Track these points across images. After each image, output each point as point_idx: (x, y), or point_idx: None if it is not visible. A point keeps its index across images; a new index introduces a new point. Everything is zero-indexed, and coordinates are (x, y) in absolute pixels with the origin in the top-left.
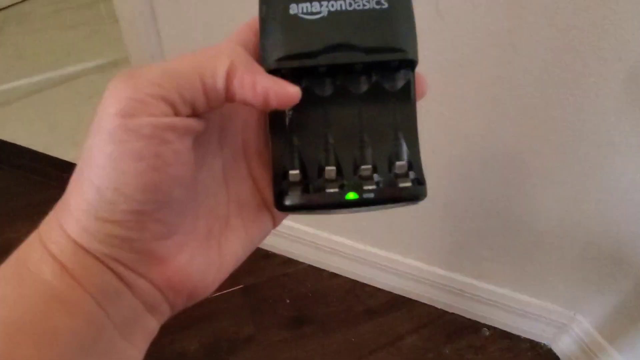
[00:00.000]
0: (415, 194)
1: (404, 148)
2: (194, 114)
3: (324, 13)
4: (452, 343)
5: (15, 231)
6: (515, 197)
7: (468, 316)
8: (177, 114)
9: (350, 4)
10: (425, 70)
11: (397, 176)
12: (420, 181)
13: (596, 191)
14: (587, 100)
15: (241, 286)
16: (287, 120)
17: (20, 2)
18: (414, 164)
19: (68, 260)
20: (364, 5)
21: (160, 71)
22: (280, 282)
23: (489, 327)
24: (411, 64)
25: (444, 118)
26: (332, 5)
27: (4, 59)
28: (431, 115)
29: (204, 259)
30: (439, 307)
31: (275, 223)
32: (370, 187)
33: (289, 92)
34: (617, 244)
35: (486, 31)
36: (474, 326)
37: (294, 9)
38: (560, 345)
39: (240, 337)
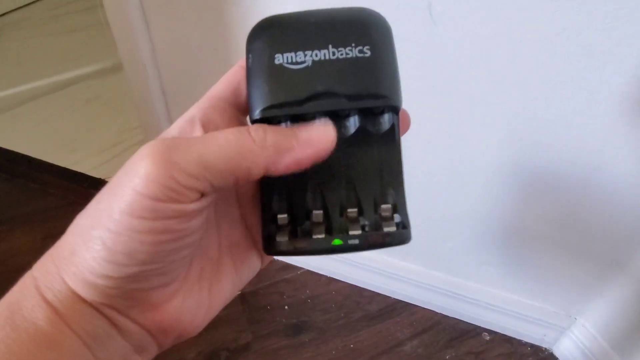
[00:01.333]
0: (399, 239)
1: (390, 190)
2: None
3: (308, 63)
4: (453, 348)
5: (14, 239)
6: (513, 201)
7: (468, 321)
8: (204, 196)
9: (334, 53)
10: (419, 77)
11: (383, 219)
12: (404, 224)
13: (593, 193)
14: (584, 84)
15: (239, 293)
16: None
17: (18, 8)
18: (399, 206)
19: (62, 307)
20: (347, 54)
21: (197, 160)
22: (278, 289)
23: (490, 332)
24: (394, 109)
25: (437, 124)
26: (316, 55)
27: (1, 65)
28: (425, 122)
29: (195, 301)
30: (439, 312)
31: (264, 262)
32: (355, 233)
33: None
34: (615, 247)
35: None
36: (475, 331)
37: (278, 58)
38: (562, 349)
39: (239, 345)
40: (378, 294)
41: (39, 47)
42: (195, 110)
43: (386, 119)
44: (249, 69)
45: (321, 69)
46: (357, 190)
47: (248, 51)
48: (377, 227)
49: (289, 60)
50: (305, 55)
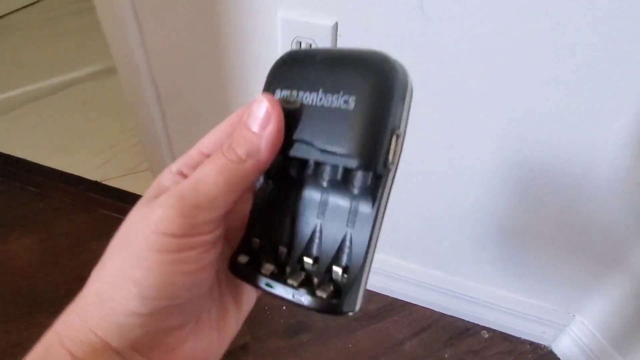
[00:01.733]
0: (326, 308)
1: (350, 251)
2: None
3: (298, 104)
4: (452, 347)
5: (12, 243)
6: (510, 200)
7: (467, 319)
8: (220, 225)
9: (321, 99)
10: (414, 76)
11: (330, 280)
12: (339, 294)
13: (590, 191)
14: (576, 91)
15: None
16: (264, 196)
17: (13, 11)
18: (351, 272)
19: (88, 357)
20: (332, 102)
21: (206, 198)
22: None
23: (489, 330)
24: (371, 170)
25: (434, 123)
26: (306, 98)
27: None
28: (422, 121)
29: (207, 341)
30: (437, 311)
31: (258, 291)
32: (292, 283)
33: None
34: (613, 244)
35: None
36: (473, 329)
37: (278, 94)
38: (561, 346)
39: (237, 346)
40: (376, 294)
41: (35, 50)
42: (180, 166)
43: (359, 179)
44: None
45: (307, 114)
46: (323, 239)
47: (266, 80)
48: (313, 286)
49: (284, 98)
50: (297, 96)
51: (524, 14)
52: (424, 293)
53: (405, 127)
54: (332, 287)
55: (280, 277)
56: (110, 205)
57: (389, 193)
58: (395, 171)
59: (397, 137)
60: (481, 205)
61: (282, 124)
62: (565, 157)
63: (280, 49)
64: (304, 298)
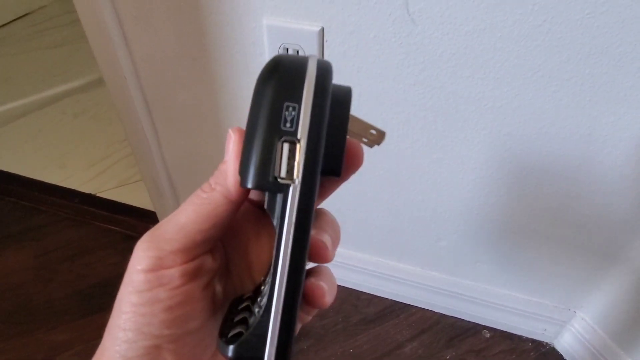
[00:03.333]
0: (222, 350)
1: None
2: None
3: None
4: (453, 347)
5: (6, 259)
6: (505, 198)
7: (467, 319)
8: (193, 258)
9: None
10: (401, 78)
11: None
12: (232, 340)
13: (584, 186)
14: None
15: None
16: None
17: (1, 26)
18: (257, 318)
19: None
20: None
21: (174, 227)
22: None
23: (490, 329)
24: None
25: (422, 124)
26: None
27: None
28: (411, 122)
29: None
30: (437, 312)
31: None
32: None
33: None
34: (610, 239)
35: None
36: (474, 329)
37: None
38: (563, 343)
39: None
40: (375, 297)
41: (24, 63)
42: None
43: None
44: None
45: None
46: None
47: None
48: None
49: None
50: None
51: (509, 11)
52: (423, 294)
53: (318, 130)
54: (235, 330)
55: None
56: (105, 217)
57: (309, 217)
58: (312, 186)
59: (291, 144)
60: (476, 204)
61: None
62: (558, 153)
63: (267, 56)
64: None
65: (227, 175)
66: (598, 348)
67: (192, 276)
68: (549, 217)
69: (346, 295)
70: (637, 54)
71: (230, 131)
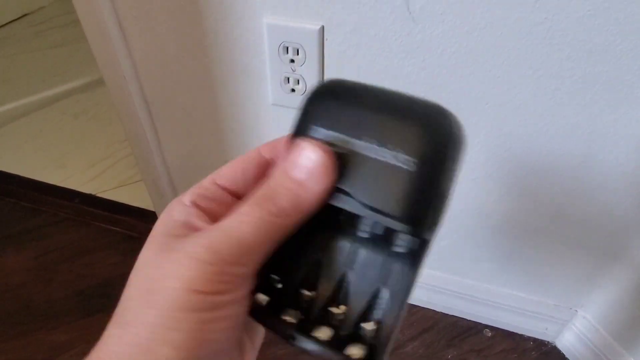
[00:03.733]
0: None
1: (381, 308)
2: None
3: (343, 149)
4: (454, 347)
5: (7, 259)
6: (506, 197)
7: (469, 318)
8: (252, 279)
9: (374, 150)
10: (402, 76)
11: (353, 337)
12: (374, 354)
13: (584, 184)
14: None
15: None
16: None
17: (1, 26)
18: (383, 331)
19: None
20: (386, 157)
21: (241, 252)
22: None
23: (491, 328)
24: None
25: None
26: (355, 144)
27: None
28: None
29: None
30: (439, 311)
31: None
32: (319, 336)
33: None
34: (610, 237)
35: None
36: (476, 328)
37: (315, 131)
38: (564, 341)
39: None
40: None
41: (25, 64)
42: (194, 197)
43: (404, 241)
44: (293, 128)
45: (352, 162)
46: (351, 291)
47: (300, 108)
48: (340, 342)
49: (329, 140)
50: (346, 141)
51: (510, 9)
52: (425, 294)
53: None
54: (364, 349)
55: (304, 327)
56: (106, 217)
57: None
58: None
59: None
60: (477, 203)
61: (335, 177)
62: (559, 152)
63: (267, 55)
64: (329, 354)
65: (308, 203)
66: (600, 347)
67: (249, 295)
68: (549, 216)
69: None
70: (637, 51)
71: (313, 148)
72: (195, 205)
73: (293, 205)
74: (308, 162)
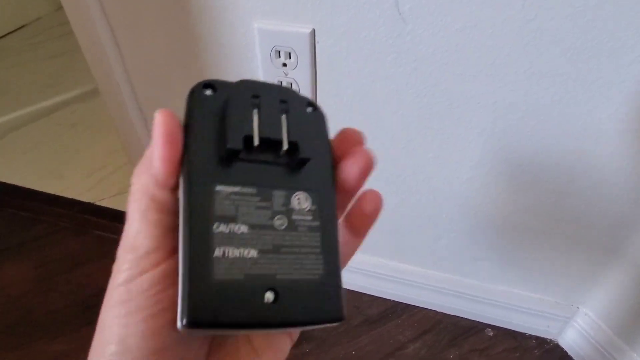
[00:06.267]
0: None
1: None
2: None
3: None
4: (456, 347)
5: (6, 270)
6: (503, 195)
7: (470, 318)
8: (159, 261)
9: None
10: (394, 78)
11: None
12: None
13: (581, 180)
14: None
15: None
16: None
17: None
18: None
19: None
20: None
21: (134, 237)
22: None
23: (493, 327)
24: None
25: (417, 123)
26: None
27: None
28: (405, 121)
29: None
30: (440, 311)
31: (292, 338)
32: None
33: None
34: (609, 233)
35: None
36: (477, 327)
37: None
38: (567, 339)
39: None
40: (377, 298)
41: (22, 75)
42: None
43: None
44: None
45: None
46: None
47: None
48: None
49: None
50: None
51: (499, 7)
52: (425, 294)
53: None
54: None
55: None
56: (105, 226)
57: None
58: None
59: None
60: (473, 202)
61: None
62: (554, 149)
63: (259, 59)
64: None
65: (152, 160)
66: (602, 343)
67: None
68: (547, 213)
69: (348, 297)
70: (627, 48)
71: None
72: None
73: (139, 170)
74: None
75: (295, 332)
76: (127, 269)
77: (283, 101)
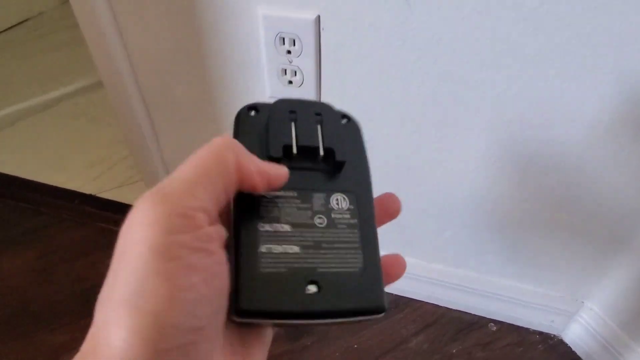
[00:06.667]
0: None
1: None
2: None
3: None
4: (459, 341)
5: (7, 261)
6: (508, 187)
7: (473, 312)
8: (211, 222)
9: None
10: (399, 66)
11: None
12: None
13: (588, 172)
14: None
15: None
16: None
17: (2, 31)
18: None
19: None
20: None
21: (184, 183)
22: None
23: (496, 322)
24: None
25: (422, 114)
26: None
27: None
28: (410, 112)
29: None
30: (443, 305)
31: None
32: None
33: (282, 173)
34: (615, 226)
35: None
36: (480, 322)
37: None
38: (571, 334)
39: None
40: None
41: (26, 67)
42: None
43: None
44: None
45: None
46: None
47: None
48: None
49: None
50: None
51: None
52: (428, 288)
53: None
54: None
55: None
56: (107, 217)
57: None
58: None
59: None
60: (479, 193)
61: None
62: (561, 139)
63: (263, 46)
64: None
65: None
66: (607, 339)
67: (219, 242)
68: (553, 206)
69: None
70: (638, 32)
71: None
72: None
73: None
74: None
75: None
76: (176, 216)
77: (318, 114)
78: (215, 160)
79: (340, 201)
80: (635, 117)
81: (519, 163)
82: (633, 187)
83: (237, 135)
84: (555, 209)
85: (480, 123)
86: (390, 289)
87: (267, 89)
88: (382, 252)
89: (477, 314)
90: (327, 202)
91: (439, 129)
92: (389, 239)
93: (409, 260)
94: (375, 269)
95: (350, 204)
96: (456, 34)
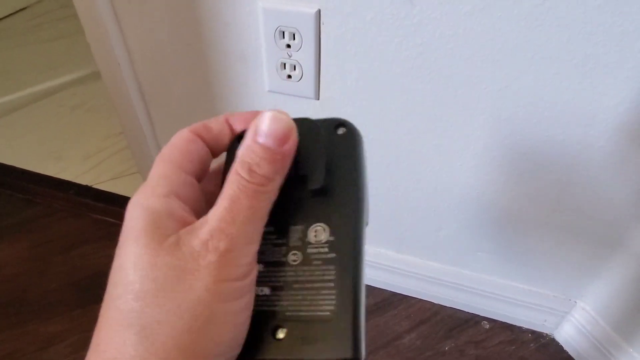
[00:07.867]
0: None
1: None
2: None
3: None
4: (452, 338)
5: (2, 251)
6: (504, 185)
7: (467, 310)
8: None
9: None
10: (399, 62)
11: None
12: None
13: (583, 171)
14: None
15: None
16: None
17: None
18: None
19: None
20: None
21: (241, 225)
22: None
23: (489, 320)
24: None
25: (420, 109)
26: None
27: None
28: (408, 107)
29: None
30: (436, 303)
31: None
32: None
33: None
34: (609, 226)
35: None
36: (473, 320)
37: None
38: (563, 333)
39: None
40: (374, 288)
41: (23, 56)
42: (166, 189)
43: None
44: None
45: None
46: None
47: None
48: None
49: None
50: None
51: None
52: (422, 285)
53: None
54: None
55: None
56: (101, 209)
57: None
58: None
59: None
60: (475, 192)
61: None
62: (559, 138)
63: (263, 40)
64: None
65: (285, 165)
66: (599, 339)
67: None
68: (549, 205)
69: None
70: (638, 33)
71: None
72: (173, 195)
73: (274, 169)
74: (273, 127)
75: None
76: (238, 267)
77: (306, 132)
78: (171, 154)
79: (319, 233)
80: (631, 118)
81: (517, 161)
82: (628, 187)
83: (228, 165)
84: (550, 209)
85: (479, 120)
86: (385, 285)
87: (266, 83)
88: (380, 249)
89: (470, 311)
90: (305, 235)
91: (437, 126)
92: (384, 236)
93: (405, 257)
94: (348, 313)
95: (330, 234)
96: (457, 30)
